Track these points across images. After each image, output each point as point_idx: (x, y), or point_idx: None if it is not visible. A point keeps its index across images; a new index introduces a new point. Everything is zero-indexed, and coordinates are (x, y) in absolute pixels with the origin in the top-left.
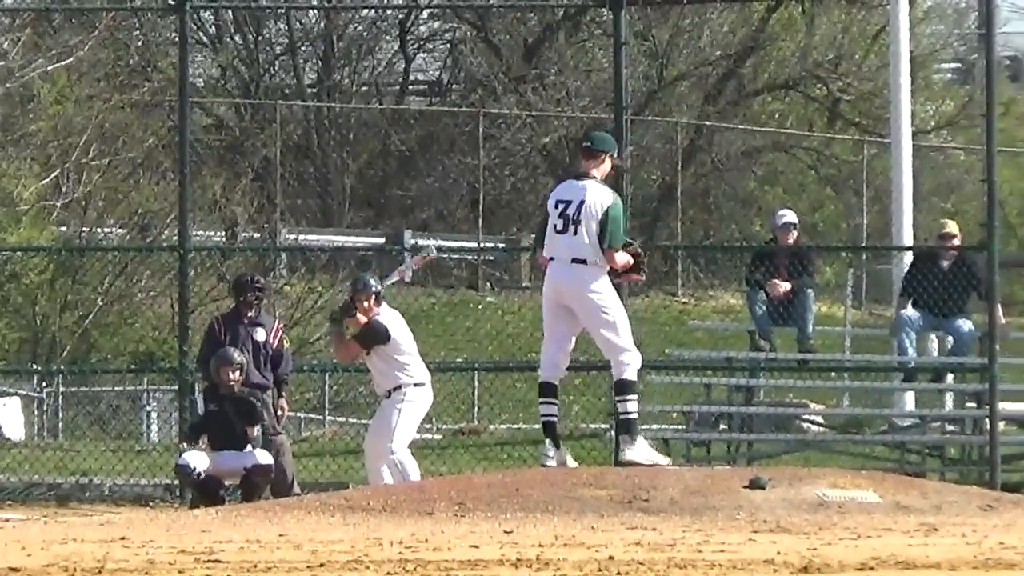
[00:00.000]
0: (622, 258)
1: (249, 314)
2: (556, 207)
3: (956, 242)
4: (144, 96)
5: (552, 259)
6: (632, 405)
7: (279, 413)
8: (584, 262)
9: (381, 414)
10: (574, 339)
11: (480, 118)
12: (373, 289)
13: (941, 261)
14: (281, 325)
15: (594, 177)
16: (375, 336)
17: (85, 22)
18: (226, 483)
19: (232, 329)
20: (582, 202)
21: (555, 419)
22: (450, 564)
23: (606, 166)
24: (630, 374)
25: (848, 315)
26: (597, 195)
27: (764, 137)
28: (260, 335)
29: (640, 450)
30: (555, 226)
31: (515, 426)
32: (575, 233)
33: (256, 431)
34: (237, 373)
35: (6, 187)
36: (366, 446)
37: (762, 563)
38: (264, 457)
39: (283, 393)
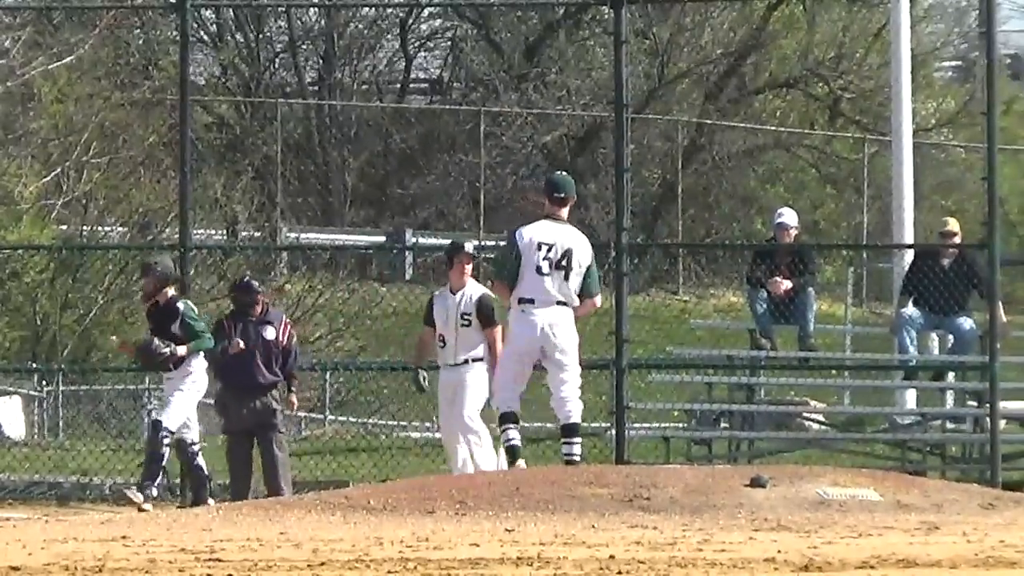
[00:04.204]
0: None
1: (256, 312)
2: (539, 248)
3: (957, 240)
4: (145, 94)
5: (533, 300)
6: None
7: (290, 407)
8: (566, 304)
9: (460, 390)
10: None
11: (481, 116)
12: (471, 252)
13: (942, 259)
14: (289, 321)
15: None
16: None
17: (86, 20)
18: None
19: (242, 327)
20: (569, 249)
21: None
22: (451, 563)
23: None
24: (577, 417)
25: (849, 313)
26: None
27: (765, 135)
28: (270, 333)
29: None
30: (539, 268)
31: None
32: (566, 278)
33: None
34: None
35: (7, 185)
36: (445, 429)
37: (763, 562)
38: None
39: (292, 388)
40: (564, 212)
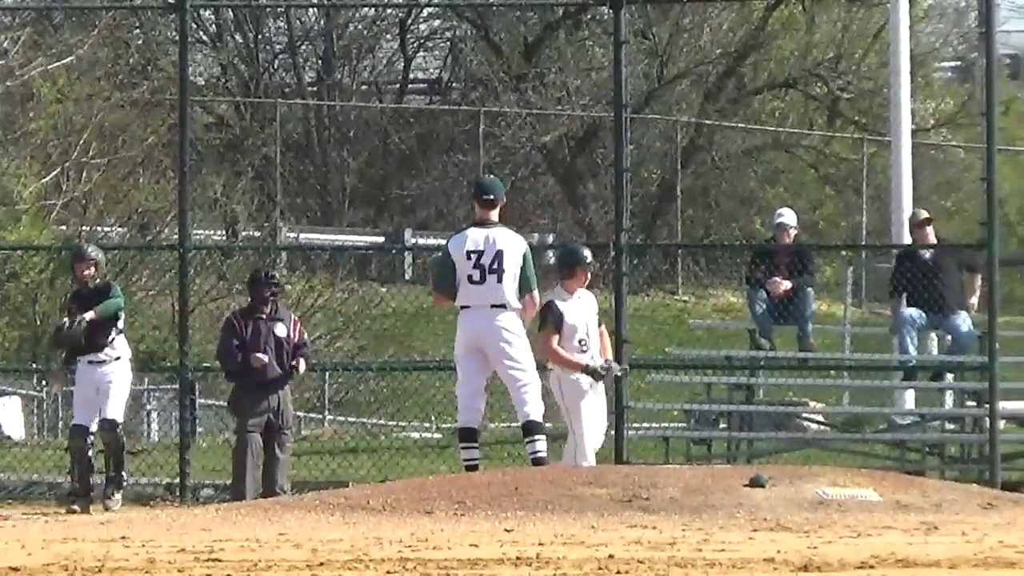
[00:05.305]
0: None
1: (267, 310)
2: (468, 258)
3: (930, 228)
4: (144, 95)
5: (470, 306)
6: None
7: (296, 370)
8: (504, 307)
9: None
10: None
11: (480, 116)
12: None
13: (922, 252)
14: (298, 318)
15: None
16: None
17: (85, 21)
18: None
19: (252, 324)
20: (499, 251)
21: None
22: (450, 563)
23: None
24: (536, 415)
25: (848, 313)
26: (513, 244)
27: (764, 136)
28: (281, 331)
29: None
30: (470, 276)
31: (515, 424)
32: (499, 280)
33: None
34: (93, 269)
35: (6, 186)
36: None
37: (762, 561)
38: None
39: (300, 356)
40: (494, 215)
